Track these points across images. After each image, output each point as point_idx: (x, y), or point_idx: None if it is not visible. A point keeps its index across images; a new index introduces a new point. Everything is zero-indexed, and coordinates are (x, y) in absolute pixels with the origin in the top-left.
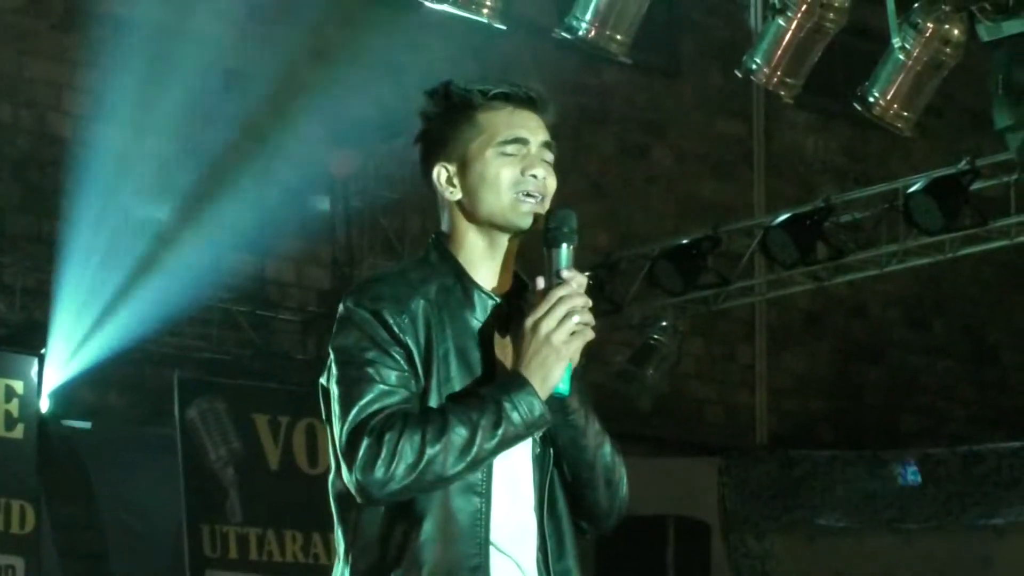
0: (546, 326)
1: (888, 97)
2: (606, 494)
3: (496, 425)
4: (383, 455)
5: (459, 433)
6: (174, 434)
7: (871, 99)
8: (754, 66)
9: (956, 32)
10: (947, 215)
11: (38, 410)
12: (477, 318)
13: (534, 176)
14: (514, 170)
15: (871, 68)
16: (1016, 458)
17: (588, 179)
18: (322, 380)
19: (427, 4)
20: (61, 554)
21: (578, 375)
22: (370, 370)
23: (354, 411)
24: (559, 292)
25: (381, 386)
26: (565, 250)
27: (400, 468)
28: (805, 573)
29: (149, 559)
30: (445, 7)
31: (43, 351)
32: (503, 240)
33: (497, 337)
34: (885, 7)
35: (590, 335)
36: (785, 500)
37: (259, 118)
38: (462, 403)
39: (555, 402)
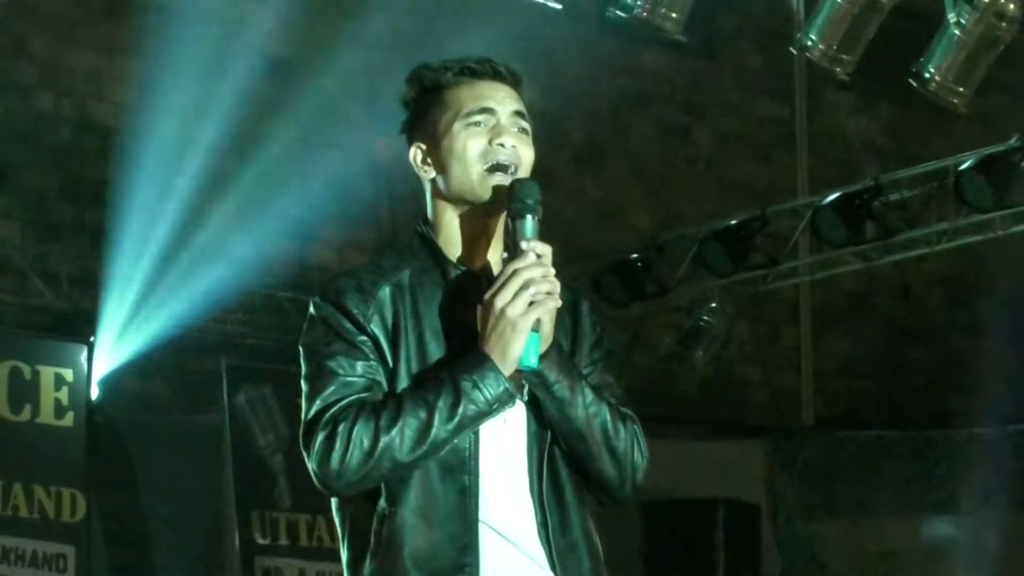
0: (501, 300)
1: (943, 73)
2: (611, 463)
3: (455, 405)
4: (337, 446)
5: (416, 416)
6: (218, 422)
7: (926, 75)
8: (809, 43)
9: (1012, 7)
10: (998, 193)
11: (88, 398)
12: (456, 298)
13: (502, 145)
14: (481, 140)
15: (914, 49)
16: None
17: (629, 162)
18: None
19: None
20: (107, 543)
21: (559, 345)
22: (331, 363)
23: (315, 404)
24: (513, 265)
25: (342, 378)
26: (530, 221)
27: (354, 458)
28: (852, 555)
29: (190, 548)
30: None
31: (92, 339)
32: (479, 215)
33: (479, 315)
34: None
35: (552, 304)
36: (832, 482)
37: (303, 105)
38: (421, 386)
39: (531, 376)
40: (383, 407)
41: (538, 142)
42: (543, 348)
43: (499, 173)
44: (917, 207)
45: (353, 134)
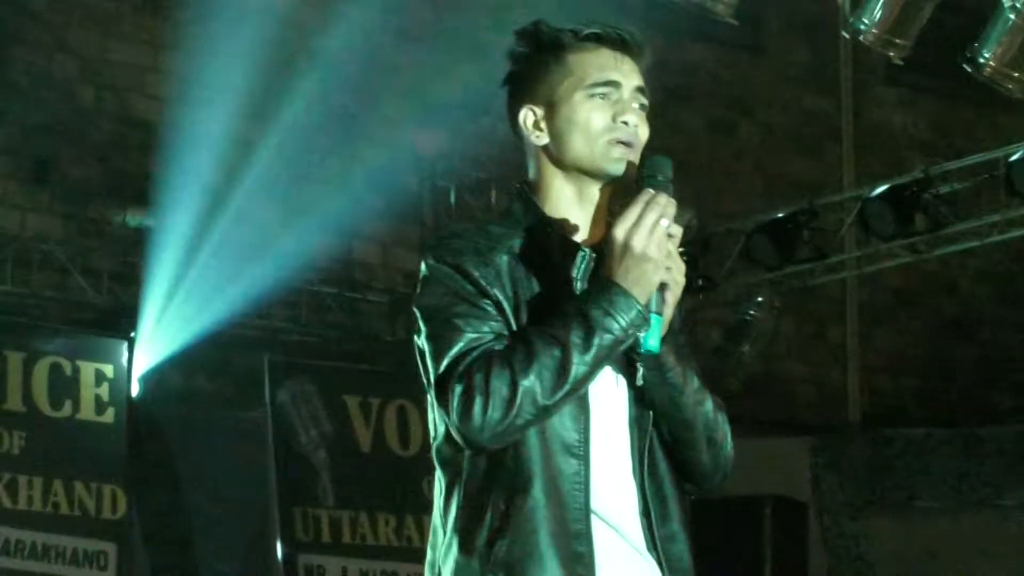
0: (639, 240)
1: (998, 58)
2: (709, 453)
3: (589, 335)
4: (476, 398)
5: (550, 355)
6: (260, 418)
7: (981, 60)
8: (862, 27)
9: None
10: None
11: (128, 394)
12: (566, 269)
13: (625, 123)
14: (605, 115)
15: (959, 43)
16: None
17: (675, 157)
18: (417, 341)
19: None
20: (147, 540)
21: (675, 331)
22: (458, 321)
23: (444, 361)
24: (643, 198)
25: (468, 334)
26: None
27: (496, 408)
28: (900, 553)
29: (233, 546)
30: None
31: (133, 335)
32: (593, 188)
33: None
34: None
35: (680, 289)
36: (879, 479)
37: (345, 99)
38: (547, 324)
39: (651, 360)
40: (513, 352)
41: None
42: (663, 332)
43: (621, 147)
44: (967, 199)
45: (396, 129)
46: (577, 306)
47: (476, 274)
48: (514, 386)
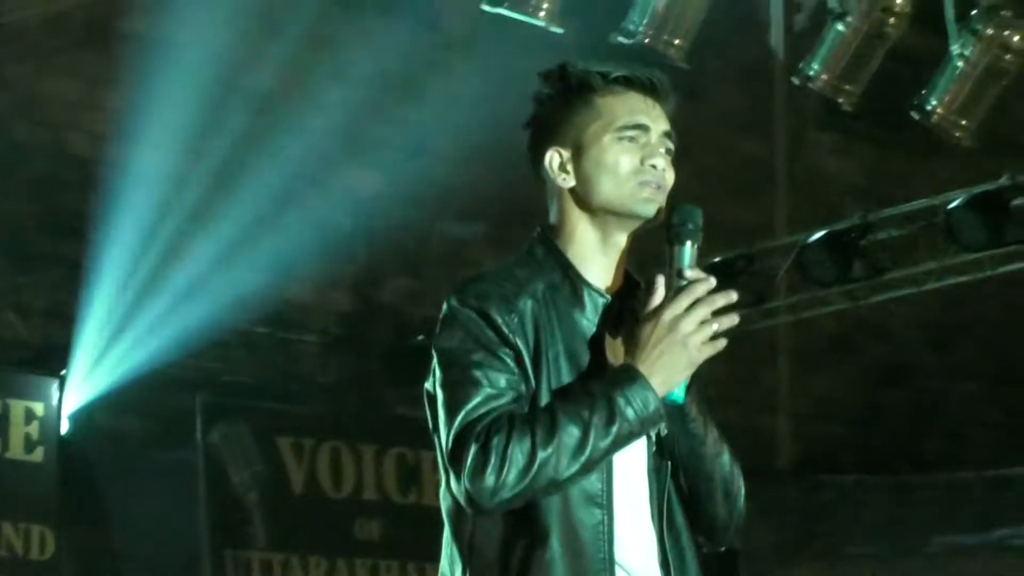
0: (686, 327)
1: (946, 106)
2: (724, 506)
3: (610, 422)
4: (492, 461)
5: (571, 433)
6: (192, 459)
7: (928, 107)
8: (812, 72)
9: (1017, 39)
10: (990, 231)
11: (58, 433)
12: (588, 318)
13: (654, 166)
14: (634, 158)
15: (897, 90)
16: None
17: None
18: (426, 385)
19: (484, 8)
20: None
21: (696, 381)
22: (476, 372)
23: (460, 416)
24: (698, 291)
25: (488, 389)
26: (689, 248)
27: (511, 474)
28: None
29: None
30: (501, 10)
31: (64, 373)
32: (619, 232)
33: (608, 339)
34: (915, 25)
35: (721, 345)
36: (810, 526)
37: (281, 139)
38: (571, 400)
39: (674, 410)
40: (536, 422)
41: (517, 178)
42: (687, 380)
43: (650, 189)
44: (905, 246)
45: (331, 168)
46: (604, 387)
47: (499, 320)
48: (532, 456)
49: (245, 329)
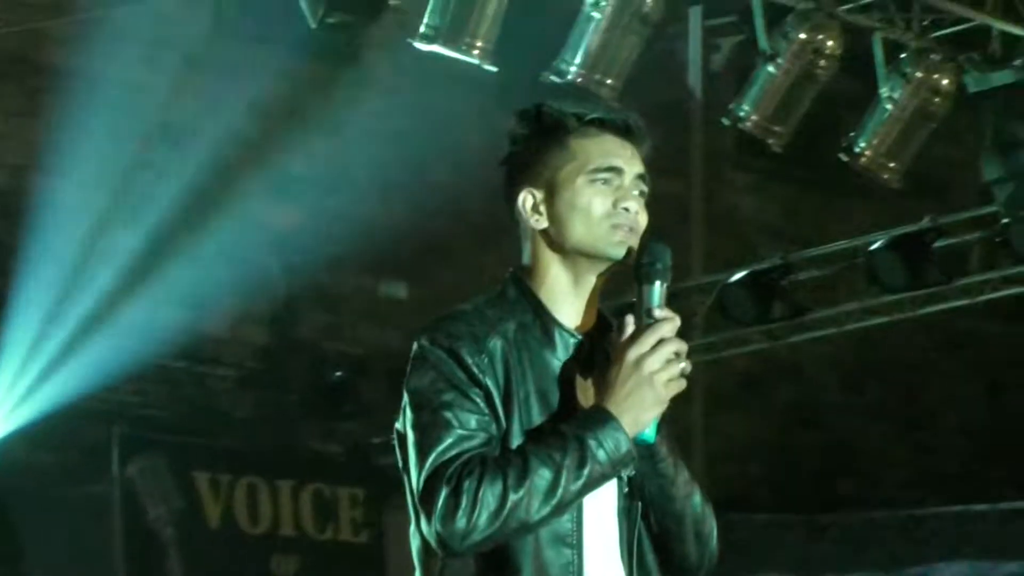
0: (650, 365)
1: (875, 148)
2: (696, 546)
3: (582, 464)
4: (463, 504)
5: (543, 476)
6: (108, 493)
7: (857, 150)
8: (742, 113)
9: (946, 82)
10: (911, 273)
11: None
12: (558, 358)
13: (626, 209)
14: (606, 200)
15: (812, 129)
16: (956, 522)
17: None
18: (397, 425)
19: (417, 45)
20: None
21: (665, 421)
22: (447, 413)
23: (431, 458)
24: (664, 330)
25: (459, 430)
26: (659, 287)
27: (482, 517)
28: None
29: None
30: (435, 48)
31: None
32: (590, 274)
33: (579, 379)
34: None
35: (684, 384)
36: (723, 564)
37: (198, 173)
38: (543, 442)
39: (643, 449)
40: (508, 465)
41: (435, 216)
42: (657, 419)
43: (622, 231)
44: (826, 287)
45: (249, 204)
46: (574, 428)
47: (470, 361)
48: (504, 499)
49: (162, 363)
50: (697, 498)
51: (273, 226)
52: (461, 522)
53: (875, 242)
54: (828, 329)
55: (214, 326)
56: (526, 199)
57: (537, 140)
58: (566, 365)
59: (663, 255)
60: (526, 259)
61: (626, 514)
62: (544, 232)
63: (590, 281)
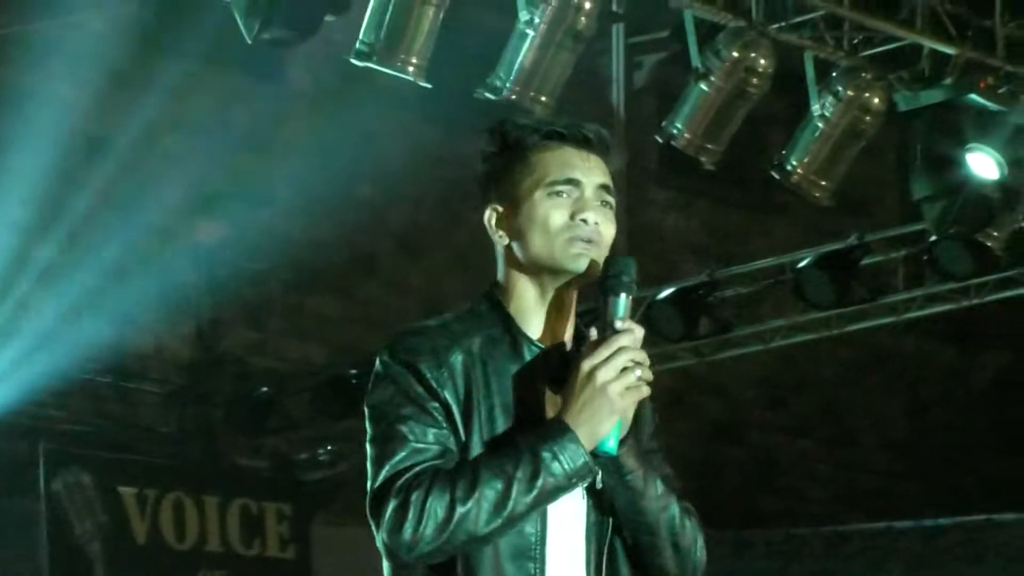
0: (604, 375)
1: (806, 166)
2: (674, 559)
3: (534, 477)
4: (410, 516)
5: (493, 487)
6: (33, 508)
7: (788, 167)
8: (675, 131)
9: (876, 100)
10: (838, 290)
11: None
12: (526, 371)
13: (584, 221)
14: (563, 213)
15: (734, 147)
16: (881, 539)
17: (455, 252)
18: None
19: (353, 61)
20: None
21: (641, 434)
22: (403, 427)
23: (383, 471)
24: (621, 341)
25: (414, 444)
26: (623, 300)
27: (428, 529)
28: None
29: None
30: (370, 65)
31: None
32: (554, 287)
33: (549, 392)
34: None
35: (646, 391)
36: None
37: (120, 185)
38: (497, 455)
39: (608, 462)
40: (458, 476)
41: (360, 230)
42: (623, 434)
43: (581, 243)
44: (752, 304)
45: (174, 219)
46: (530, 440)
47: (428, 375)
48: (451, 511)
49: (87, 379)
50: (674, 510)
51: (197, 241)
52: (407, 533)
53: (801, 260)
54: (754, 346)
55: (139, 342)
56: (491, 216)
57: (501, 157)
58: (534, 378)
59: (628, 267)
60: (499, 274)
61: (595, 528)
62: (508, 248)
63: (558, 295)
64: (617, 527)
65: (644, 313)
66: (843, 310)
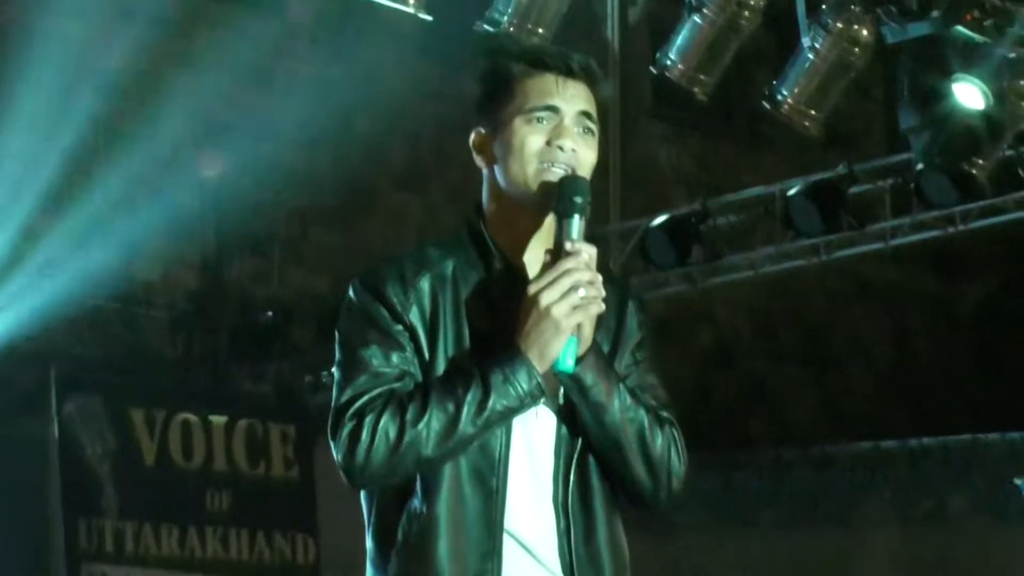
0: (547, 297)
1: (796, 97)
2: (646, 470)
3: (484, 399)
4: (362, 439)
5: (443, 410)
6: (45, 430)
7: (779, 98)
8: (668, 62)
9: (865, 33)
10: (826, 218)
11: None
12: (497, 294)
13: (560, 148)
14: (540, 138)
15: (724, 81)
16: (868, 459)
17: (448, 188)
18: None
19: None
20: None
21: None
22: (364, 352)
23: (343, 396)
24: (565, 264)
25: (374, 368)
26: (576, 221)
27: (379, 452)
28: (662, 572)
29: (13, 555)
30: None
31: None
32: (532, 212)
33: (522, 310)
34: None
35: (596, 310)
36: None
37: (126, 118)
38: (450, 378)
39: (566, 380)
40: (410, 400)
41: (360, 164)
42: (580, 351)
43: (555, 170)
44: (743, 232)
45: (178, 150)
46: (482, 364)
47: (394, 299)
48: (401, 435)
49: (96, 305)
50: (643, 421)
51: (202, 172)
52: (360, 456)
53: (790, 189)
54: (744, 272)
55: (146, 270)
56: (474, 138)
57: (488, 80)
58: (506, 301)
59: (581, 188)
60: (483, 197)
61: (564, 442)
62: (491, 172)
63: (531, 220)
64: (588, 442)
65: (640, 239)
66: (831, 237)
